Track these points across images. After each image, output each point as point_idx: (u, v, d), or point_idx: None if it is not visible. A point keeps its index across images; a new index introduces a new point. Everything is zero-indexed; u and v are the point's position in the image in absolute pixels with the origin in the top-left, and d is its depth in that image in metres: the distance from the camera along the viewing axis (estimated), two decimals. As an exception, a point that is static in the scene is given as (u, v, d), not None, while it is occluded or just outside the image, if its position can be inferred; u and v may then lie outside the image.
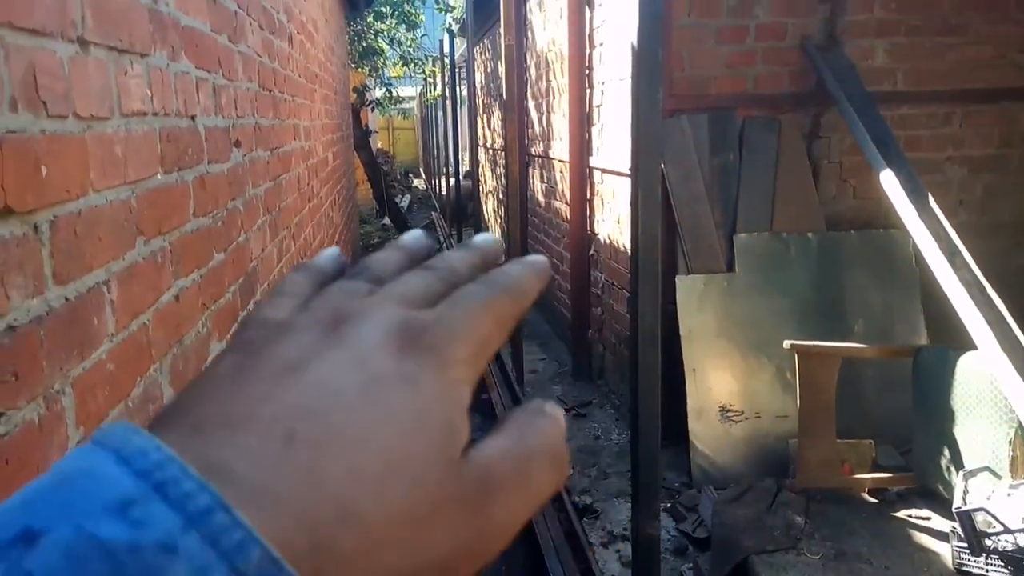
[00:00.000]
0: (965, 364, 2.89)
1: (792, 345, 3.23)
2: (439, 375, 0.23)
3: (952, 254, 2.53)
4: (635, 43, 2.02)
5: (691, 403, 3.59)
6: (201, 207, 1.78)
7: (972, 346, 2.60)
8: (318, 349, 0.23)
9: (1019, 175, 3.87)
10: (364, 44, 10.75)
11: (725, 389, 3.63)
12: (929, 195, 2.84)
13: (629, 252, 4.11)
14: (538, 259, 0.29)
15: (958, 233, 2.84)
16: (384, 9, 11.41)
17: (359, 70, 11.11)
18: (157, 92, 1.50)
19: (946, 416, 2.99)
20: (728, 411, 3.64)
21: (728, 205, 3.72)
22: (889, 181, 2.91)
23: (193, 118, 1.76)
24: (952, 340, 3.17)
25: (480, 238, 0.30)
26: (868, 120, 3.19)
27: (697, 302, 3.67)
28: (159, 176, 1.49)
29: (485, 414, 4.53)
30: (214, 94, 1.96)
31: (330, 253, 0.31)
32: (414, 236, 0.32)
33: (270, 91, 2.87)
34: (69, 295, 1.07)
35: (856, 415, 3.42)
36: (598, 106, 4.67)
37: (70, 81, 1.10)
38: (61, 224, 1.05)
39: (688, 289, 3.67)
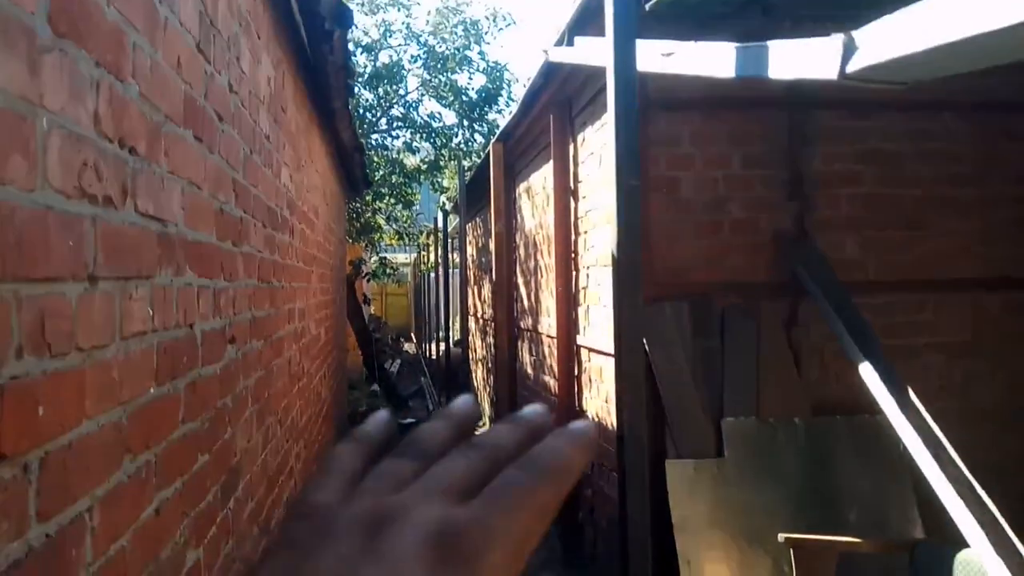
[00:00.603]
0: (963, 563, 2.81)
1: (787, 539, 3.15)
2: None
3: (937, 449, 2.55)
4: (615, 252, 2.14)
5: (686, 598, 3.43)
6: (190, 413, 1.80)
7: (966, 541, 2.55)
8: (357, 564, 0.24)
9: (995, 361, 3.96)
10: (362, 221, 11.26)
11: (721, 582, 3.48)
12: (908, 387, 2.89)
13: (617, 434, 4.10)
14: (584, 428, 0.30)
15: (941, 419, 2.86)
16: (383, 190, 12.06)
17: (356, 244, 11.55)
18: (159, 309, 1.57)
19: (951, 617, 2.86)
20: (726, 606, 3.47)
21: (714, 389, 3.76)
22: (868, 373, 2.98)
23: (191, 325, 1.82)
24: (948, 529, 3.10)
25: (528, 411, 0.31)
26: (843, 312, 3.31)
27: (688, 489, 3.61)
28: (152, 390, 1.52)
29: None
30: (213, 299, 2.04)
31: (379, 419, 0.31)
32: (462, 403, 0.32)
33: (268, 283, 2.99)
34: (51, 531, 1.07)
35: (859, 611, 3.27)
36: (584, 288, 4.83)
37: (76, 319, 1.16)
38: (51, 460, 1.07)
39: (678, 475, 3.62)
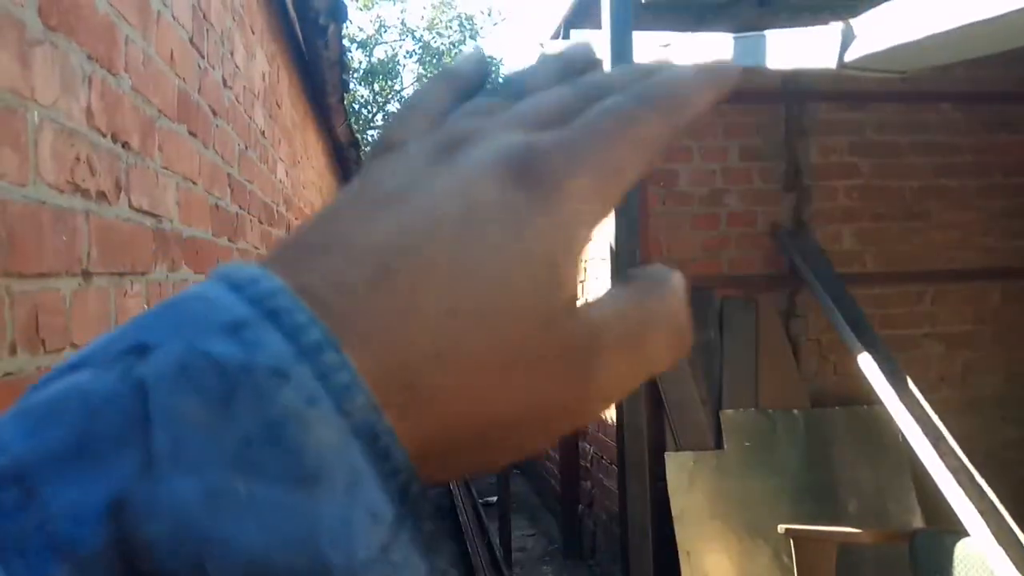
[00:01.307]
0: (963, 551, 2.81)
1: (787, 530, 3.15)
2: (549, 210, 0.20)
3: (937, 439, 2.55)
4: (613, 245, 2.13)
5: (687, 590, 3.44)
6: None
7: (966, 530, 2.55)
8: (424, 176, 0.21)
9: (996, 350, 3.97)
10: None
11: (722, 574, 3.49)
12: (907, 377, 2.90)
13: (616, 425, 4.10)
14: (722, 65, 0.24)
15: (941, 409, 2.87)
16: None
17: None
18: (154, 305, 1.56)
19: (951, 606, 2.87)
20: (726, 597, 3.48)
21: (712, 381, 3.77)
22: (867, 363, 2.98)
23: (187, 322, 1.81)
24: (947, 519, 3.11)
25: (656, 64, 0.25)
26: (840, 302, 3.31)
27: (688, 480, 3.61)
28: (148, 387, 1.51)
29: (472, 598, 4.31)
30: (209, 295, 2.03)
31: (472, 55, 0.27)
32: (576, 45, 0.27)
33: (264, 279, 2.98)
34: (45, 528, 1.06)
35: (859, 602, 3.28)
36: (582, 282, 4.83)
37: (70, 314, 1.15)
38: (46, 457, 1.06)
39: (678, 467, 3.63)
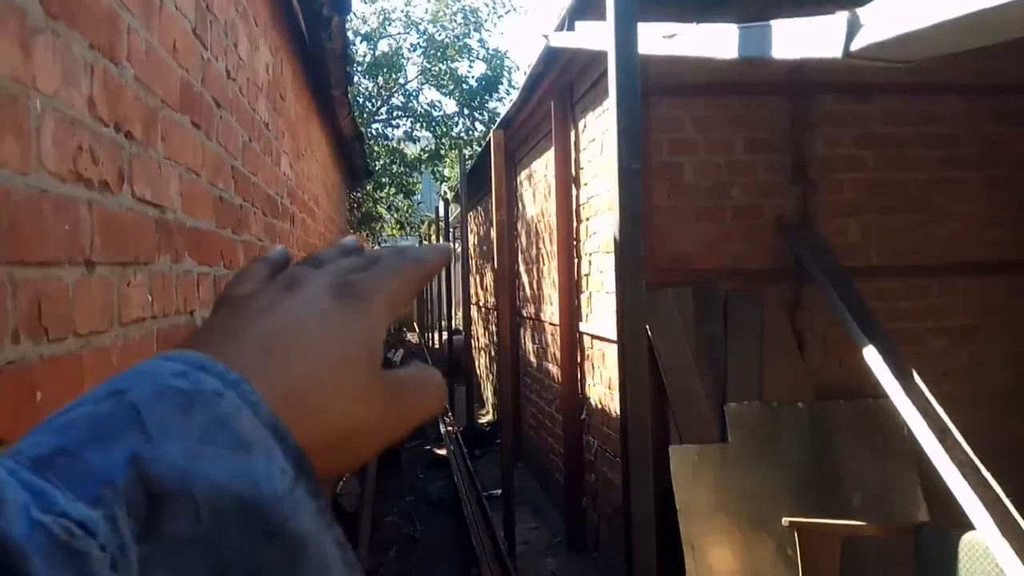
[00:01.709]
0: (968, 545, 2.80)
1: (791, 523, 3.15)
2: (365, 312, 0.33)
3: (942, 432, 2.54)
4: (617, 236, 2.13)
5: (691, 583, 3.44)
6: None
7: (972, 523, 2.54)
8: (281, 298, 0.34)
9: (1001, 344, 3.95)
10: (363, 211, 11.24)
11: (726, 568, 3.49)
12: (913, 370, 2.88)
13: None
14: (442, 244, 0.40)
15: (946, 404, 2.85)
16: (384, 179, 12.03)
17: (358, 234, 11.53)
18: (158, 296, 1.56)
19: (956, 600, 2.86)
20: (730, 590, 3.48)
21: (717, 375, 3.76)
22: (872, 356, 2.97)
23: (192, 312, 1.82)
24: (953, 512, 3.10)
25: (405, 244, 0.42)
26: (846, 295, 3.30)
27: (691, 473, 3.60)
28: (152, 377, 1.51)
29: (476, 591, 4.32)
30: (214, 286, 2.03)
31: (280, 249, 0.40)
32: (349, 239, 0.41)
33: (268, 271, 2.98)
34: (49, 517, 1.06)
35: (863, 595, 3.27)
36: (586, 275, 4.82)
37: (73, 303, 1.15)
38: (49, 445, 1.06)
39: (682, 460, 3.62)
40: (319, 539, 0.27)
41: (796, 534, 3.15)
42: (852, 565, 3.23)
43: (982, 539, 2.56)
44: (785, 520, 3.17)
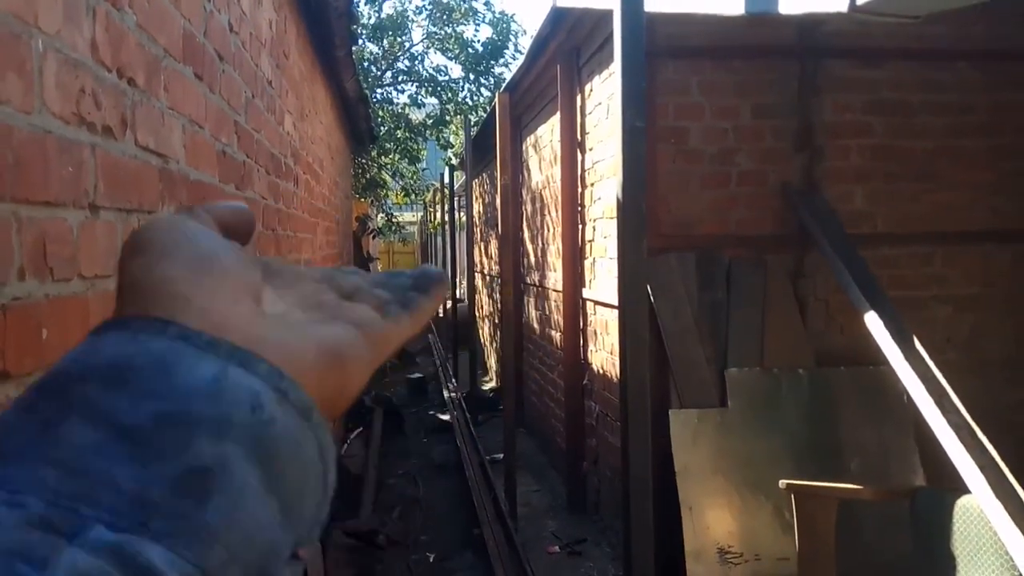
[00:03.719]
0: (963, 508, 2.83)
1: (788, 485, 3.18)
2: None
3: (940, 396, 2.55)
4: (620, 197, 2.13)
5: (688, 544, 3.49)
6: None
7: (968, 487, 2.57)
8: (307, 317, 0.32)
9: (1004, 313, 3.95)
10: (368, 176, 11.20)
11: (723, 529, 3.54)
12: (914, 336, 2.89)
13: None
14: (440, 275, 0.37)
15: (946, 371, 2.87)
16: (388, 145, 11.96)
17: (362, 200, 11.51)
18: (161, 245, 1.57)
19: (947, 562, 2.90)
20: (727, 552, 3.53)
21: (718, 340, 3.77)
22: (874, 322, 2.97)
23: (194, 265, 1.83)
24: (950, 479, 3.13)
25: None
26: (850, 262, 3.30)
27: (691, 437, 3.64)
28: (156, 325, 1.53)
29: (478, 550, 4.39)
30: (217, 240, 2.04)
31: (238, 206, 0.34)
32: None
33: (273, 230, 2.98)
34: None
35: (856, 556, 3.32)
36: (590, 241, 4.82)
37: (78, 245, 1.17)
38: (55, 383, 1.08)
39: (682, 424, 3.65)
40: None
41: (793, 497, 3.18)
42: (848, 529, 3.27)
43: (977, 502, 2.59)
44: (782, 483, 3.21)
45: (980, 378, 3.58)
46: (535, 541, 4.60)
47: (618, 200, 2.16)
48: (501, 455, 5.49)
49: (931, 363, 2.76)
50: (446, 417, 7.75)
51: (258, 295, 0.30)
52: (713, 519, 3.54)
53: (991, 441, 2.59)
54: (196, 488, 0.23)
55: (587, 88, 4.80)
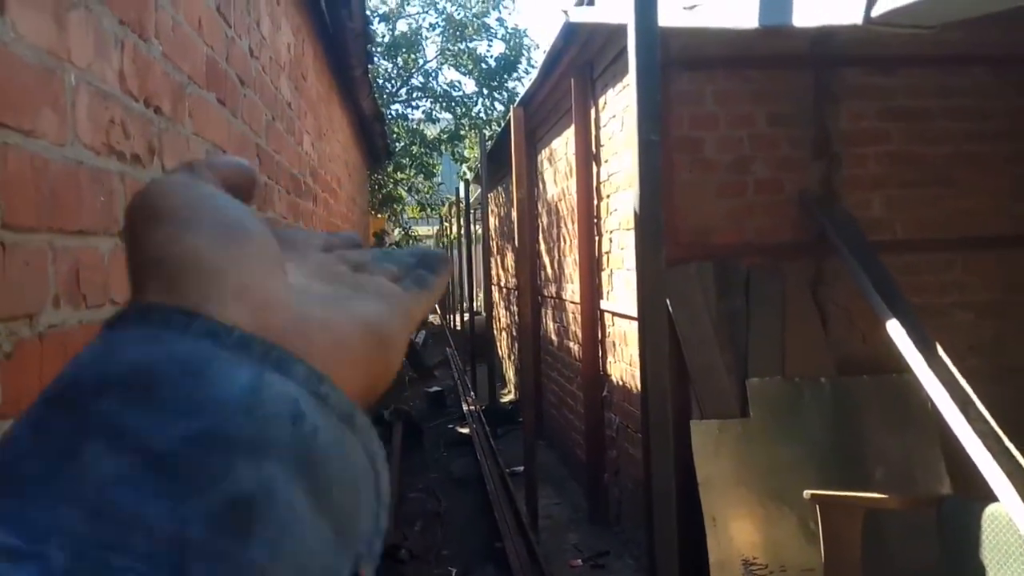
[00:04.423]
0: (991, 516, 2.80)
1: (813, 495, 3.16)
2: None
3: (965, 404, 2.53)
4: (637, 209, 2.14)
5: (713, 556, 3.47)
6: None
7: (995, 496, 2.54)
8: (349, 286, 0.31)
9: (1026, 319, 3.90)
10: (384, 192, 11.28)
11: (747, 540, 3.51)
12: (936, 344, 2.87)
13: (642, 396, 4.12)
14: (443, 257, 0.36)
15: (970, 379, 2.84)
16: (404, 161, 12.06)
17: (379, 216, 11.59)
18: (187, 268, 1.60)
19: (975, 571, 2.86)
20: (752, 564, 3.50)
21: (738, 350, 3.76)
22: (896, 330, 2.95)
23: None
24: (976, 487, 3.09)
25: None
26: (871, 269, 3.28)
27: (713, 448, 3.62)
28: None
29: (499, 564, 4.38)
30: (240, 261, 2.07)
31: (235, 161, 0.31)
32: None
33: (293, 249, 3.02)
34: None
35: (881, 565, 3.28)
36: (607, 252, 4.82)
37: (109, 272, 1.20)
38: (90, 407, 1.11)
39: (703, 435, 3.64)
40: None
41: (818, 507, 3.16)
42: (874, 539, 3.24)
43: (1005, 510, 2.56)
44: (807, 493, 3.19)
45: (1005, 386, 3.54)
46: (557, 554, 4.59)
47: (635, 212, 2.17)
48: (521, 468, 5.48)
49: (954, 369, 2.74)
50: (465, 430, 7.76)
51: (283, 266, 0.27)
52: (737, 530, 3.52)
53: (1017, 448, 2.56)
54: (238, 522, 0.20)
55: (601, 101, 4.82)
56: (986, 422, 2.46)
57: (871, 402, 3.69)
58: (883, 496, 3.23)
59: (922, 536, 3.24)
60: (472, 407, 8.59)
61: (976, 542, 2.81)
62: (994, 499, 2.70)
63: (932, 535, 3.09)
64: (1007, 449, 2.36)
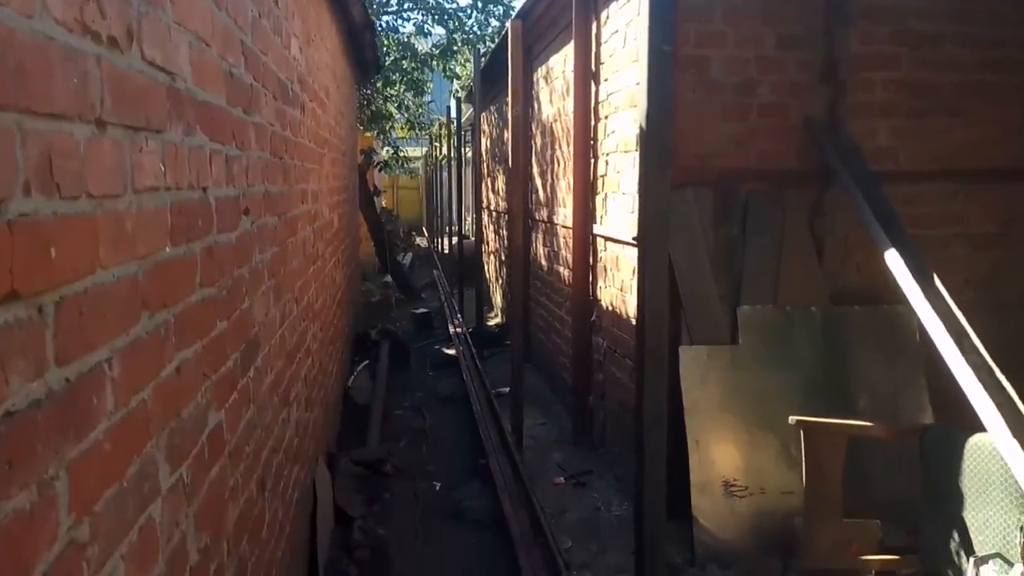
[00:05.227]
0: (974, 446, 2.84)
1: (798, 421, 3.19)
2: None
3: (960, 336, 2.52)
4: (644, 124, 2.05)
5: (694, 477, 3.52)
6: (208, 277, 1.78)
7: (980, 426, 2.56)
8: None
9: (1023, 253, 3.88)
10: (373, 108, 10.97)
11: (729, 463, 3.57)
12: (934, 275, 2.84)
13: (632, 320, 4.10)
14: None
15: (965, 311, 2.83)
16: (393, 76, 11.69)
17: (367, 133, 11.31)
18: (171, 167, 1.51)
19: (955, 499, 2.92)
20: (732, 486, 3.57)
21: (732, 277, 3.73)
22: (894, 260, 2.92)
23: (205, 190, 1.77)
24: (957, 417, 3.12)
25: None
26: (872, 199, 3.22)
27: (700, 374, 3.63)
28: (167, 250, 1.49)
29: (484, 480, 4.45)
30: (226, 165, 1.98)
31: None
32: None
33: (281, 158, 2.91)
34: (70, 375, 1.05)
35: (862, 493, 3.35)
36: (602, 176, 4.72)
37: (85, 161, 1.11)
38: (67, 304, 1.04)
39: (691, 360, 3.64)
40: None
41: (802, 433, 3.19)
42: (856, 467, 3.29)
43: (989, 440, 2.58)
44: (792, 419, 3.21)
45: (999, 319, 3.54)
46: (541, 472, 4.67)
47: (641, 129, 2.08)
48: (507, 389, 5.52)
49: (951, 301, 2.72)
50: (452, 352, 7.79)
51: None
52: (720, 454, 3.57)
53: (1008, 382, 2.56)
54: None
55: (603, 15, 4.63)
56: (979, 354, 2.46)
57: (860, 332, 3.70)
58: (868, 424, 3.26)
59: (903, 464, 3.30)
60: (459, 329, 8.61)
61: (957, 471, 2.86)
62: (977, 429, 2.72)
63: (914, 464, 3.14)
64: (998, 381, 2.37)
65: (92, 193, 1.14)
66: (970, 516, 2.85)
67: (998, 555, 2.68)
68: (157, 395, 1.41)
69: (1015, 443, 2.17)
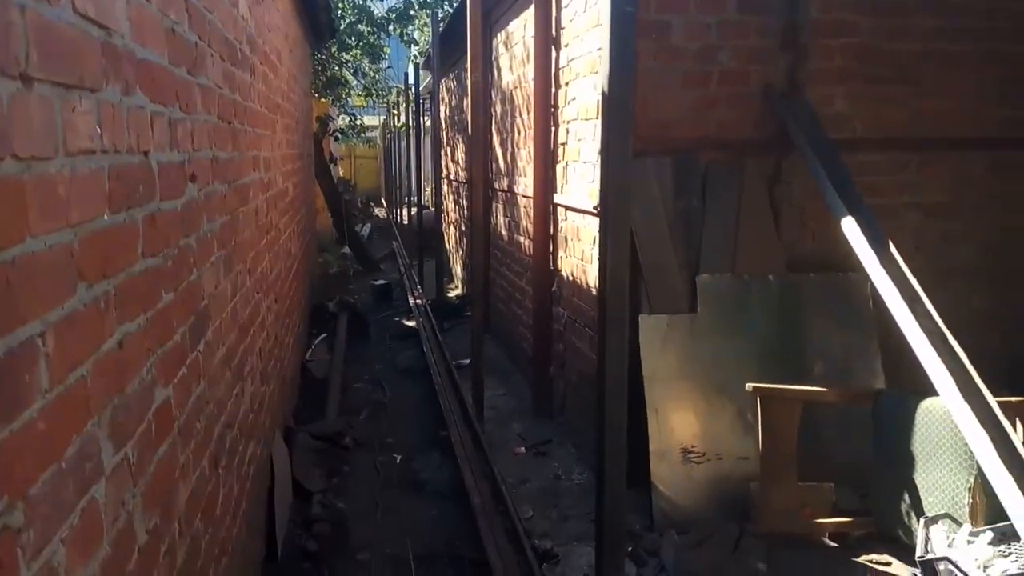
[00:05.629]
0: (925, 410, 2.91)
1: (754, 388, 3.23)
2: None
3: (913, 301, 2.56)
4: (606, 89, 2.00)
5: (653, 444, 3.56)
6: (151, 247, 1.69)
7: (931, 391, 2.62)
8: None
9: (972, 222, 3.97)
10: (328, 74, 10.70)
11: (687, 430, 3.61)
12: (889, 241, 2.88)
13: (592, 290, 4.10)
14: None
15: (916, 278, 2.87)
16: (349, 40, 11.40)
17: (323, 100, 11.04)
18: (107, 128, 1.42)
19: (906, 461, 3.00)
20: (690, 452, 3.61)
21: (691, 246, 3.73)
22: (850, 227, 2.95)
23: (146, 154, 1.68)
24: (908, 382, 3.20)
25: None
26: (829, 166, 3.24)
27: (660, 342, 3.65)
28: (106, 217, 1.41)
29: (445, 451, 4.44)
30: (170, 128, 1.88)
31: None
32: None
33: (230, 123, 2.80)
34: (-2, 351, 0.98)
35: (815, 458, 3.42)
36: (563, 144, 4.67)
37: (10, 120, 1.03)
38: (-8, 274, 0.97)
39: (651, 329, 3.65)
40: None
41: (758, 400, 3.24)
42: (810, 432, 3.36)
43: (940, 404, 2.65)
44: (749, 385, 3.26)
45: (947, 285, 3.62)
46: (501, 443, 4.67)
47: (603, 93, 2.04)
48: (467, 361, 5.49)
49: (905, 268, 2.76)
50: (412, 323, 7.73)
51: None
52: (678, 421, 3.60)
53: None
54: None
55: (563, -21, 4.54)
56: (932, 320, 2.50)
57: (816, 299, 3.75)
58: (822, 390, 3.32)
59: (855, 429, 3.37)
60: (419, 301, 8.53)
61: (908, 434, 2.93)
62: (929, 394, 2.79)
63: (867, 429, 3.21)
64: (951, 347, 2.41)
65: (18, 155, 1.05)
66: (920, 478, 2.94)
67: (947, 515, 2.77)
68: (97, 371, 1.34)
69: (966, 406, 2.22)
